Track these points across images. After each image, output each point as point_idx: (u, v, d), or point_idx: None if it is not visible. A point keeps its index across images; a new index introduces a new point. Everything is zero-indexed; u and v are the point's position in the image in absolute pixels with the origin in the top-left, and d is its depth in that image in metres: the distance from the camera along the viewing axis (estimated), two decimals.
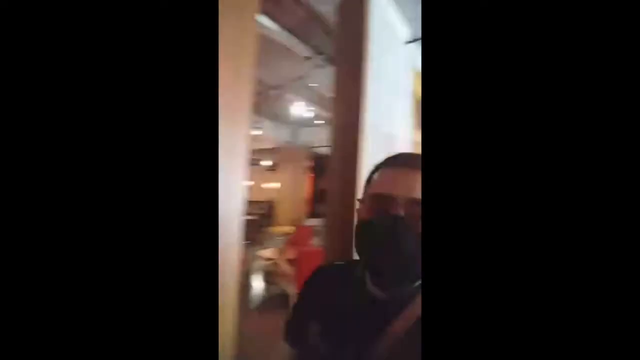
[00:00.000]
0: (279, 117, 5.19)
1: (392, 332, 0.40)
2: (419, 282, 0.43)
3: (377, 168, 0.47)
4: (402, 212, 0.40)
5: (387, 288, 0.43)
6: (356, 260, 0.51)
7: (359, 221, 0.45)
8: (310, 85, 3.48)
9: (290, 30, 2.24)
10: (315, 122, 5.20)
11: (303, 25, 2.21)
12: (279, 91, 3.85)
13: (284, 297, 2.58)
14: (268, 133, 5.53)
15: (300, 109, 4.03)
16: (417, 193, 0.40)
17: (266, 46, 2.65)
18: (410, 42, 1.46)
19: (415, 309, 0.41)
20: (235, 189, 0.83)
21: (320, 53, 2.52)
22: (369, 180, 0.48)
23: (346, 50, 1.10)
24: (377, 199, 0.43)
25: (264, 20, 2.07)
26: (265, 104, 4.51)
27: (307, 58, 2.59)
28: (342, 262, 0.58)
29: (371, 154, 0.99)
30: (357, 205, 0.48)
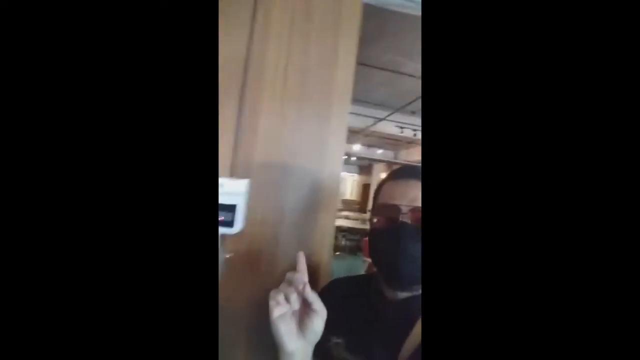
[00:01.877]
0: None
1: (416, 333, 0.43)
2: None
3: (384, 181, 0.52)
4: (408, 220, 0.45)
5: (402, 289, 0.47)
6: (369, 274, 0.56)
7: (370, 230, 0.51)
8: None
9: None
10: None
11: None
12: None
13: None
14: None
15: None
16: (420, 202, 0.45)
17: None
18: None
19: None
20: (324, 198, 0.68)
21: None
22: (377, 192, 0.52)
23: None
24: (386, 209, 0.48)
25: None
26: None
27: None
28: (354, 276, 0.62)
29: None
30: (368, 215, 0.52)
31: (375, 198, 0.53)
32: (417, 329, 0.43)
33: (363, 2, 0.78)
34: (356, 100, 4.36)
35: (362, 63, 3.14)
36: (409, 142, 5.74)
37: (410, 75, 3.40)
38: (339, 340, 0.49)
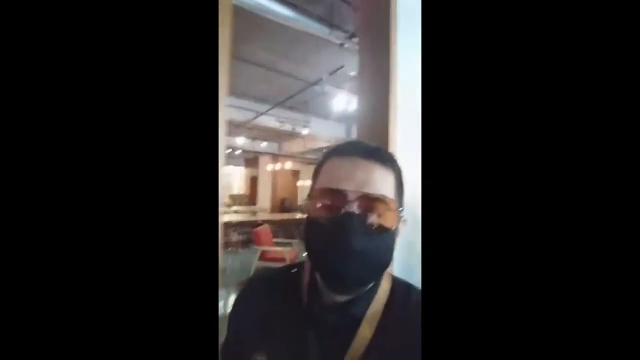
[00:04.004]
0: (328, 113, 4.99)
1: (361, 337, 0.37)
2: (371, 285, 0.40)
3: (326, 158, 0.41)
4: (354, 209, 0.36)
5: (343, 292, 0.39)
6: (296, 264, 0.47)
7: (307, 219, 0.40)
8: (351, 74, 3.35)
9: (321, 19, 2.15)
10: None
11: (333, 11, 2.14)
12: (320, 86, 3.71)
13: None
14: (319, 131, 5.44)
15: (342, 102, 3.82)
16: (370, 187, 0.36)
17: (298, 39, 2.56)
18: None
19: (375, 312, 0.39)
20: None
21: (353, 36, 2.32)
22: (317, 172, 0.42)
23: (371, 25, 0.99)
24: (327, 194, 0.38)
25: (288, 12, 1.97)
26: (312, 102, 4.44)
27: (341, 45, 2.45)
28: (279, 268, 0.51)
29: (401, 134, 0.89)
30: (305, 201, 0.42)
31: (314, 180, 0.42)
32: (363, 333, 0.37)
33: (232, 4, 0.94)
34: (240, 94, 4.36)
35: (241, 58, 3.21)
36: (291, 135, 6.18)
37: (287, 74, 3.70)
38: (262, 358, 0.40)
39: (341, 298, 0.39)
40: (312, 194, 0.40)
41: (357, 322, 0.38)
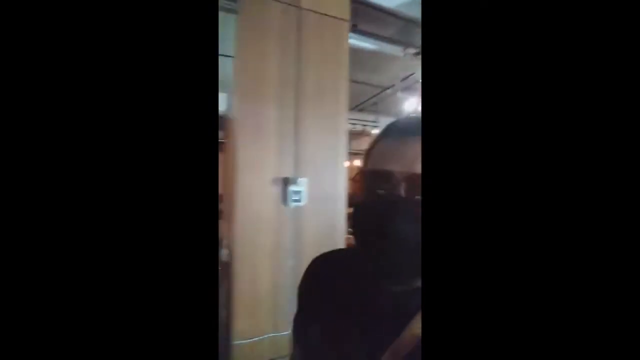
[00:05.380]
0: (396, 114, 5.56)
1: (408, 335, 0.34)
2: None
3: (377, 140, 0.40)
4: (402, 192, 0.34)
5: (390, 282, 0.38)
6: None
7: (352, 203, 0.39)
8: (419, 80, 3.78)
9: (390, 39, 2.59)
10: None
11: (407, 31, 2.53)
12: (392, 90, 4.26)
13: None
14: None
15: (413, 105, 4.32)
16: (420, 166, 0.33)
17: (372, 54, 3.02)
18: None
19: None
20: (339, 183, 1.26)
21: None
22: (367, 155, 0.40)
23: None
24: (372, 176, 0.36)
25: (370, 45, 2.46)
26: (382, 103, 5.06)
27: (411, 60, 2.85)
28: (345, 249, 0.49)
29: None
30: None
31: (365, 162, 0.40)
32: (414, 330, 0.33)
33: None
34: None
35: None
36: (357, 134, 6.73)
37: (359, 82, 4.20)
38: (316, 327, 0.42)
39: (397, 288, 0.37)
40: (360, 177, 0.38)
41: (409, 316, 0.34)
